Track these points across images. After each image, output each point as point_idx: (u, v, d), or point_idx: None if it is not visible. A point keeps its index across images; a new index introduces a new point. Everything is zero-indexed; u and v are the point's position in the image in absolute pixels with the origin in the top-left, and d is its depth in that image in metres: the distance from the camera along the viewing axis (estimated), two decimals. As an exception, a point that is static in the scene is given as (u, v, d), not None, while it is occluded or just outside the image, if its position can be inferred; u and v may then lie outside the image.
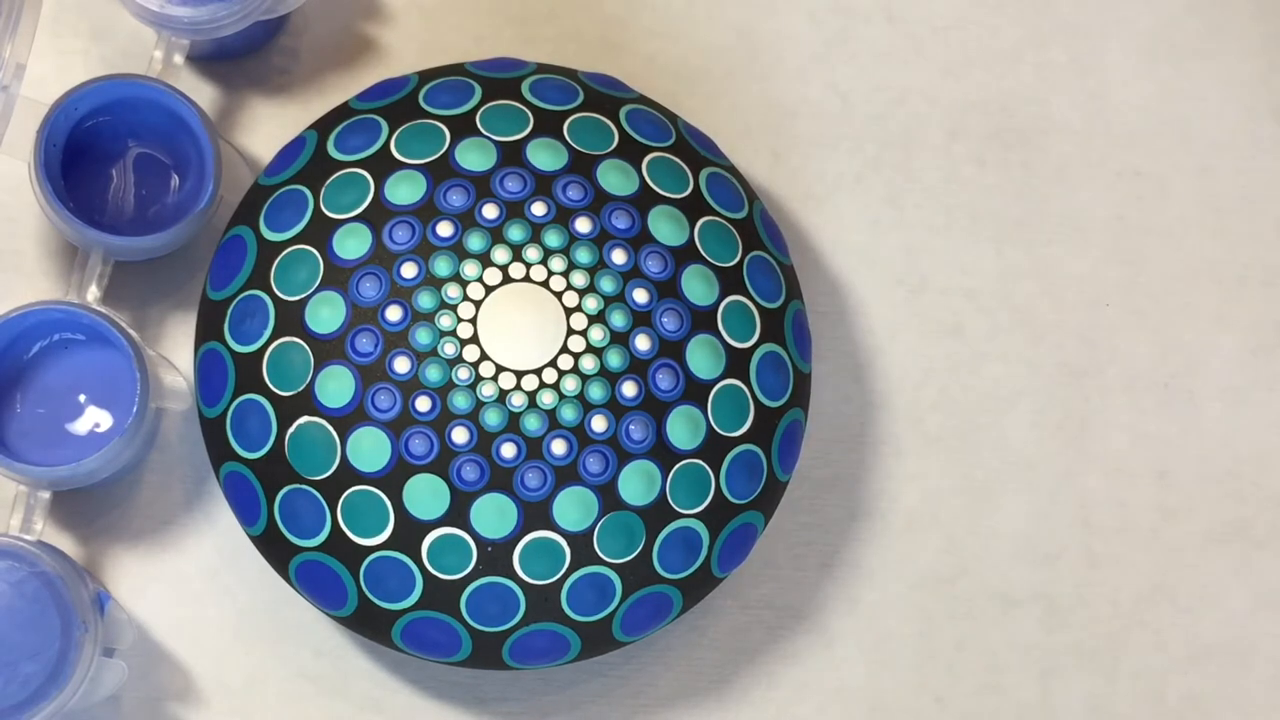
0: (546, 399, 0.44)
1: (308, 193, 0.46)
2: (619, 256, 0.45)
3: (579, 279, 0.44)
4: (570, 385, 0.44)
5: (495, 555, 0.44)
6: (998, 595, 0.51)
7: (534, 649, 0.45)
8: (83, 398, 0.48)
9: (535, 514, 0.44)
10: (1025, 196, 0.52)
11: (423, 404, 0.43)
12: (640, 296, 0.44)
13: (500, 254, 0.44)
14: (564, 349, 0.44)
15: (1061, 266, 0.52)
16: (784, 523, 0.50)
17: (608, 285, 0.44)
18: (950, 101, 0.53)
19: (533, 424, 0.44)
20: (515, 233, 0.44)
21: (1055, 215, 0.52)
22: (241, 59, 0.51)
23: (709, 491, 0.45)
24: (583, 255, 0.44)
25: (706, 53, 0.52)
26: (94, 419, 0.48)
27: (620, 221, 0.45)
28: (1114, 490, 0.51)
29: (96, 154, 0.49)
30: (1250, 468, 0.52)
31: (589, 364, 0.44)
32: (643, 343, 0.44)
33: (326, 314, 0.44)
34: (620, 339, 0.44)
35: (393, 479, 0.44)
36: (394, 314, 0.44)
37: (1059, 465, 0.51)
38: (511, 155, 0.45)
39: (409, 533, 0.44)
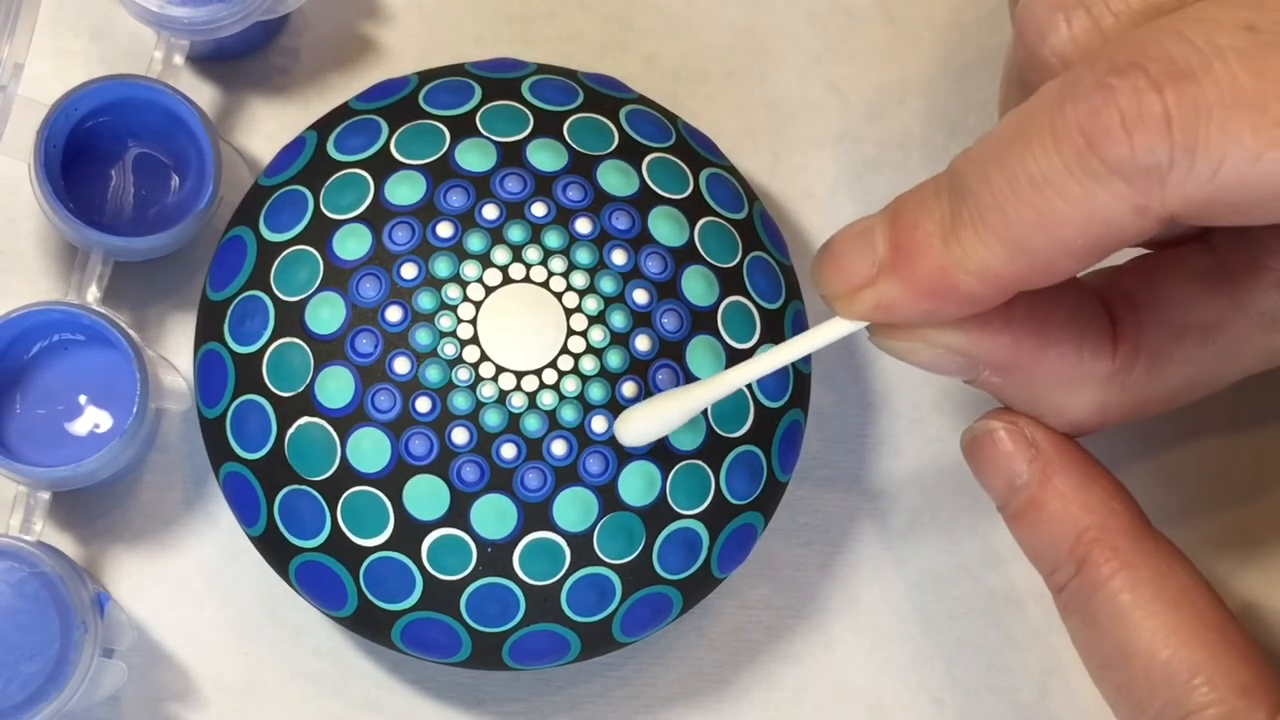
0: (546, 400, 0.44)
1: (308, 193, 0.46)
2: (619, 257, 0.45)
3: (579, 279, 0.44)
4: (570, 386, 0.44)
5: (495, 556, 0.44)
6: (998, 595, 0.51)
7: (534, 650, 0.45)
8: (83, 398, 0.48)
9: (535, 515, 0.44)
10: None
11: (423, 404, 0.43)
12: (640, 297, 0.44)
13: (500, 254, 0.44)
14: (564, 350, 0.44)
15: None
16: (784, 523, 0.50)
17: (608, 286, 0.44)
18: (951, 101, 0.53)
19: (533, 425, 0.44)
20: (515, 233, 0.44)
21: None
22: (241, 59, 0.51)
23: (709, 492, 0.45)
24: (583, 256, 0.44)
25: (706, 53, 0.52)
26: (94, 419, 0.48)
27: (620, 222, 0.45)
28: (1114, 490, 0.51)
29: (96, 154, 0.49)
30: (1249, 468, 0.52)
31: (589, 365, 0.44)
32: (643, 343, 0.44)
33: (326, 314, 0.44)
34: (620, 340, 0.44)
35: (393, 480, 0.44)
36: (394, 314, 0.44)
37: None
38: (511, 156, 0.45)
39: (409, 533, 0.44)
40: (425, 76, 0.48)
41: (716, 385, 0.42)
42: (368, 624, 0.45)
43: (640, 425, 0.43)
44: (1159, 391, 0.42)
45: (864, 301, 0.39)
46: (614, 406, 0.44)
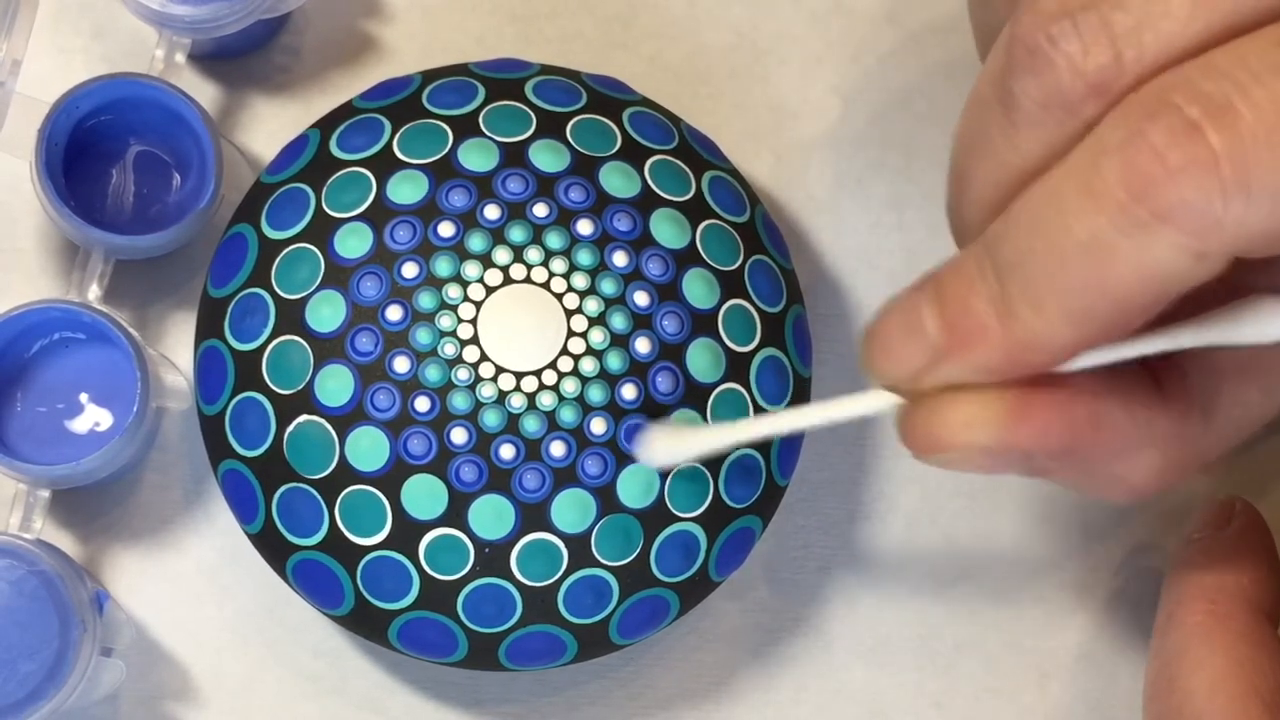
0: (546, 400, 0.44)
1: (309, 191, 0.46)
2: (620, 259, 0.45)
3: (580, 281, 0.44)
4: (570, 387, 0.44)
5: (493, 556, 0.44)
6: (997, 597, 0.51)
7: (530, 650, 0.45)
8: (83, 396, 0.48)
9: (533, 515, 0.44)
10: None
11: (422, 404, 0.43)
12: (641, 299, 0.44)
13: (501, 255, 0.44)
14: (564, 351, 0.44)
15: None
16: (782, 525, 0.50)
17: (608, 287, 0.44)
18: (952, 103, 0.52)
19: (532, 425, 0.44)
20: (516, 234, 0.44)
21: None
22: (242, 57, 0.51)
23: (707, 495, 0.45)
24: (584, 257, 0.44)
25: (708, 54, 0.52)
26: (94, 418, 0.48)
27: (622, 224, 0.45)
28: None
29: (97, 153, 0.49)
30: (1246, 472, 0.52)
31: (589, 366, 0.44)
32: (643, 345, 0.44)
33: (327, 313, 0.44)
34: (620, 341, 0.44)
35: (391, 479, 0.44)
36: (394, 314, 0.44)
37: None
38: (514, 156, 0.45)
39: (407, 533, 0.44)
40: (428, 76, 0.48)
41: (743, 429, 0.43)
42: (364, 623, 0.45)
43: (665, 452, 0.43)
44: (1213, 439, 0.40)
45: (925, 386, 0.38)
46: (613, 408, 0.44)
